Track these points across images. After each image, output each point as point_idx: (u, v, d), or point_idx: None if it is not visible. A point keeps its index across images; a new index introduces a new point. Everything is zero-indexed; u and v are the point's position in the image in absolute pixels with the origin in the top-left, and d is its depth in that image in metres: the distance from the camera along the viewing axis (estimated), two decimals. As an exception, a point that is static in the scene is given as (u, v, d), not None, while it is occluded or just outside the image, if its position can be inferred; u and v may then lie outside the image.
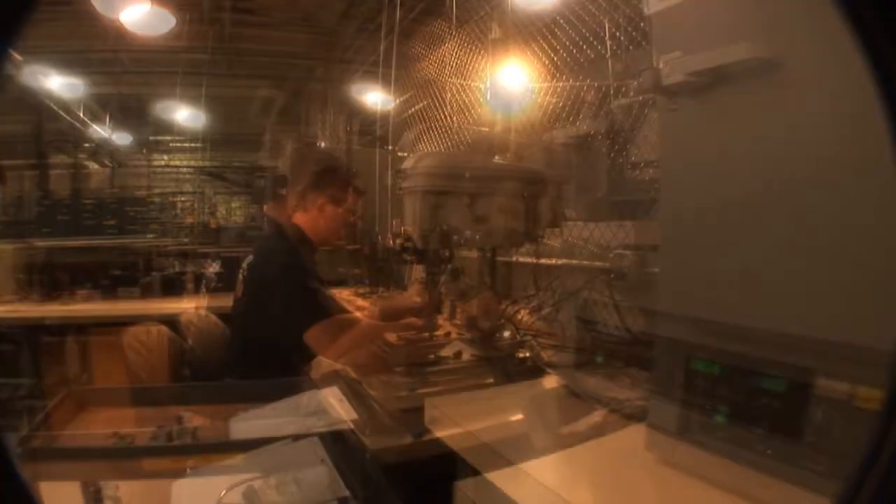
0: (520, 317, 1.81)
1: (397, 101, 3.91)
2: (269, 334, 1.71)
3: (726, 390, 0.81)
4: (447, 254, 1.41)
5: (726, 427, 0.82)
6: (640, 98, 2.46)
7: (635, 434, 1.05)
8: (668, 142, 0.89)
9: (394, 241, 2.24)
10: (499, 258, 1.64)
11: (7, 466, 0.35)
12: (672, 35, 0.82)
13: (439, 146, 2.97)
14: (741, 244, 0.78)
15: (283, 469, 0.99)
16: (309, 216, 1.85)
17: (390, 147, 3.71)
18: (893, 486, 0.35)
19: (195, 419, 1.17)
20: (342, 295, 2.98)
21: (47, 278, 3.49)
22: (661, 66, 0.80)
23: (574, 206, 2.30)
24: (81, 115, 6.59)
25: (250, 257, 1.92)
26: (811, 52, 0.73)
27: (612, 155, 2.60)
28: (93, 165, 4.94)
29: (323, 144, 4.91)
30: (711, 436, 0.84)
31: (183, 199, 7.52)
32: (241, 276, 1.92)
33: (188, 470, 0.99)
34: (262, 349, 1.71)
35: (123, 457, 1.00)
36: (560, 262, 1.83)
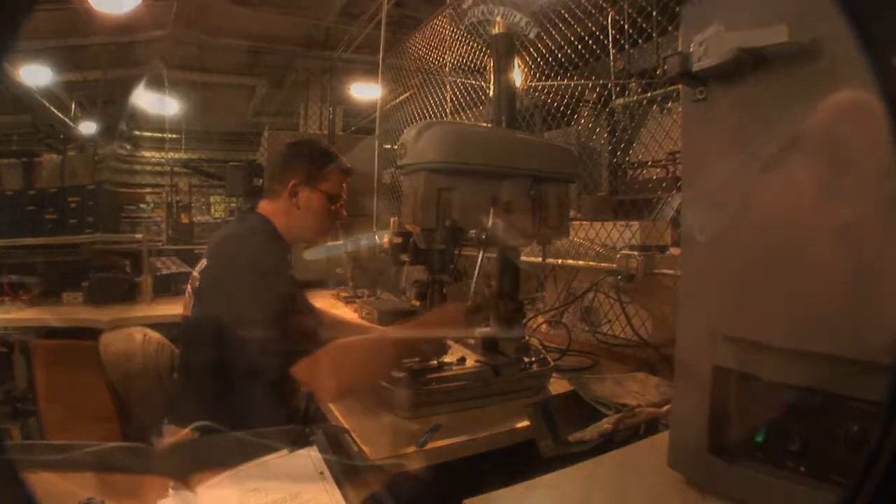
0: (525, 320, 1.78)
1: (387, 92, 3.86)
2: (235, 367, 1.41)
3: (762, 404, 0.78)
4: (454, 253, 1.31)
5: (763, 446, 0.79)
6: (648, 95, 2.46)
7: (652, 448, 1.02)
8: (690, 135, 0.86)
9: (390, 239, 2.16)
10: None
11: (9, 471, 0.33)
12: (703, 19, 0.78)
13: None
14: (775, 254, 0.74)
15: (279, 484, 0.94)
16: (298, 213, 1.56)
17: (389, 145, 3.64)
18: (893, 486, 0.34)
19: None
20: (324, 299, 2.89)
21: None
22: (691, 48, 0.77)
23: (577, 205, 2.28)
24: (42, 101, 6.35)
25: (203, 262, 1.49)
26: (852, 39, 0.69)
27: (617, 153, 2.60)
28: (49, 155, 4.69)
29: (311, 135, 4.82)
30: (748, 455, 0.81)
31: (149, 190, 7.28)
32: (190, 288, 1.53)
33: (170, 490, 0.94)
34: (225, 388, 1.43)
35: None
36: (566, 262, 1.79)
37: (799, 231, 0.70)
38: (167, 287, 3.39)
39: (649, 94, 2.25)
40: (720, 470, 0.81)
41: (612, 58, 2.35)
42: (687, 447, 0.84)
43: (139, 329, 1.82)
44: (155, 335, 1.83)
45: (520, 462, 1.13)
